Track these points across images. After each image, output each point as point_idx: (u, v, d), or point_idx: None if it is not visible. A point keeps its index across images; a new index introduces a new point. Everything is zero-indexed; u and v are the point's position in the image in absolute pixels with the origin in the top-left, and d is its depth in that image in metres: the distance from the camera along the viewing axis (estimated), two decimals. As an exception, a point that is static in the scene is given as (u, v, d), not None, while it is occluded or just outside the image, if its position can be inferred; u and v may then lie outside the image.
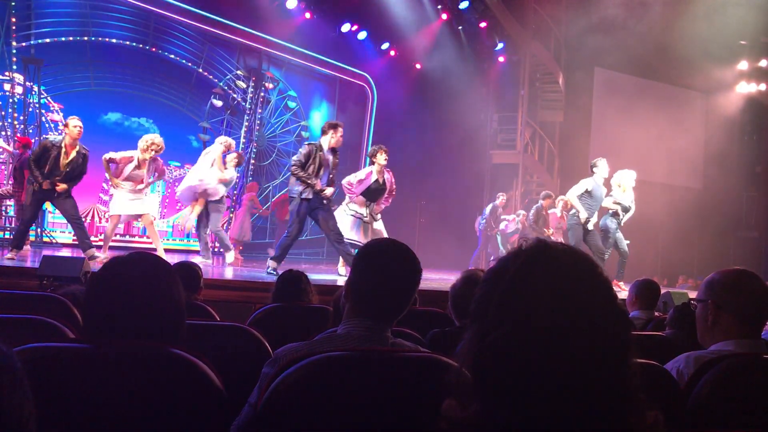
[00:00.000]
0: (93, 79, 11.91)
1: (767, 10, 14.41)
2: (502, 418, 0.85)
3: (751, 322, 2.15)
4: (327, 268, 9.69)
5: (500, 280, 0.89)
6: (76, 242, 8.38)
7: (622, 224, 9.02)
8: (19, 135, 10.13)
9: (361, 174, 8.18)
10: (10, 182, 9.36)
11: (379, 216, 8.32)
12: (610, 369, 0.85)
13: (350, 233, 7.90)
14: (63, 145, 7.31)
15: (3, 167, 10.60)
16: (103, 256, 7.59)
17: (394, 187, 8.29)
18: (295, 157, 7.48)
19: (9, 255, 6.97)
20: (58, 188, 7.25)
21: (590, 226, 8.79)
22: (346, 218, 8.04)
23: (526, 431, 0.83)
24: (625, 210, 8.94)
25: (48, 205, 8.22)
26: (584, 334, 0.84)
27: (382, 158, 7.98)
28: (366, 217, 8.06)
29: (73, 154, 7.35)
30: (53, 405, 1.40)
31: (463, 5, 15.07)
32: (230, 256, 9.13)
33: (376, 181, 8.00)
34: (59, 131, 11.22)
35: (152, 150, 7.99)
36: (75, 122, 7.39)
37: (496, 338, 0.85)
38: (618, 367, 0.86)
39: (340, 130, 7.52)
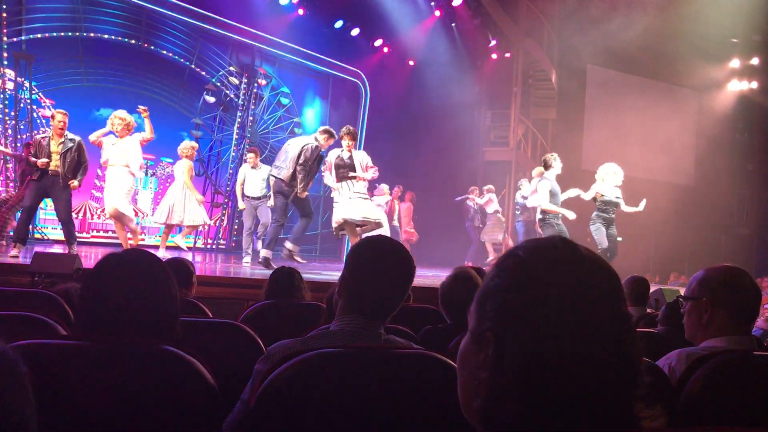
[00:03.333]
0: (85, 75, 11.86)
1: (758, 8, 14.46)
2: (531, 420, 0.85)
3: (744, 318, 2.16)
4: (320, 264, 9.70)
5: (544, 283, 0.86)
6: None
7: (612, 217, 8.69)
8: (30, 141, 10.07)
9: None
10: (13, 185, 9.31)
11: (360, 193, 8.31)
12: (630, 368, 0.86)
13: (361, 212, 8.01)
14: (50, 135, 7.45)
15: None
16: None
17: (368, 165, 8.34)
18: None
19: (13, 252, 6.83)
20: (71, 185, 7.40)
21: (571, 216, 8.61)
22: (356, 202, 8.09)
23: (551, 428, 0.84)
24: (608, 203, 8.61)
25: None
26: (616, 339, 0.85)
27: (345, 143, 8.17)
28: (347, 195, 8.11)
29: (61, 139, 7.44)
30: (45, 402, 1.39)
31: (457, 2, 15.06)
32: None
33: (339, 157, 8.12)
34: (49, 127, 11.21)
35: (117, 124, 7.80)
36: (60, 117, 7.53)
37: (559, 346, 0.83)
38: (636, 365, 0.87)
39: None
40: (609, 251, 8.51)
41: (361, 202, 8.07)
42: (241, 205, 9.96)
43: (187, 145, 9.49)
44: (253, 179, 9.73)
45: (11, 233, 8.31)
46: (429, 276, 9.01)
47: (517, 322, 0.86)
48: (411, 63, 16.12)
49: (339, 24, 14.84)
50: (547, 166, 8.61)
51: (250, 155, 10.00)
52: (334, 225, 8.16)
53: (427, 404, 1.52)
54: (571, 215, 8.46)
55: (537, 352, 0.84)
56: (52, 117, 7.58)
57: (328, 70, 15.56)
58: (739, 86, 17.27)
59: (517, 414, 0.85)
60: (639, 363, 0.87)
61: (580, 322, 0.84)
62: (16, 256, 6.70)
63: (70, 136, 7.54)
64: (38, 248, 7.85)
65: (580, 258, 0.90)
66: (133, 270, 1.68)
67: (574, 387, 0.83)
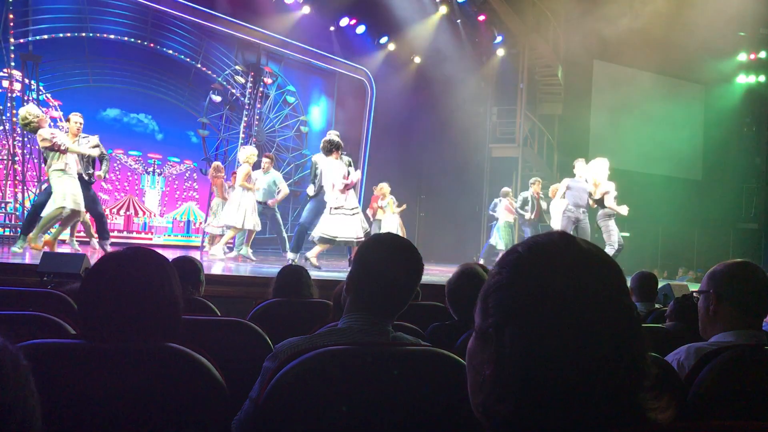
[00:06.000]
0: (91, 75, 11.89)
1: (765, 1, 14.37)
2: (535, 415, 0.85)
3: (751, 312, 2.15)
4: (327, 262, 9.69)
5: (552, 279, 0.87)
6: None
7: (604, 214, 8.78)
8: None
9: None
10: None
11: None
12: (637, 364, 0.85)
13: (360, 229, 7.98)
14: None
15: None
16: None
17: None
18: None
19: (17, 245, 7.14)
20: (97, 177, 7.82)
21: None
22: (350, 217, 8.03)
23: (555, 425, 0.84)
24: (596, 201, 8.77)
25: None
26: (620, 333, 0.85)
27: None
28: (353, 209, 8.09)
29: (76, 140, 7.60)
30: (54, 401, 1.40)
31: (462, -2, 15.05)
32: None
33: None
34: (58, 128, 11.25)
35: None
36: (76, 118, 7.70)
37: (555, 340, 0.83)
38: (643, 361, 0.86)
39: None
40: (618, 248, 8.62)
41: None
42: None
43: (245, 152, 9.38)
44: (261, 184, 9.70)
45: None
46: (435, 273, 9.01)
47: (515, 316, 0.87)
48: (416, 60, 16.11)
49: (344, 22, 14.83)
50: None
51: (266, 160, 9.95)
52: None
53: (435, 401, 1.52)
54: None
55: (534, 346, 0.84)
56: (68, 120, 7.74)
57: (334, 68, 15.57)
58: (746, 80, 17.19)
59: (517, 409, 0.85)
60: (643, 355, 0.87)
61: (577, 316, 0.84)
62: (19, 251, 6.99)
63: (83, 135, 7.72)
64: (47, 248, 7.89)
65: (578, 251, 0.90)
66: (130, 268, 1.67)
67: (572, 381, 0.82)
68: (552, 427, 0.84)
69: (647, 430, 0.85)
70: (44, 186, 8.30)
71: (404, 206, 12.60)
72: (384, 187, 12.05)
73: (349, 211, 7.98)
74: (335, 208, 7.91)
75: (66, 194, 7.04)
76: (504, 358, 0.87)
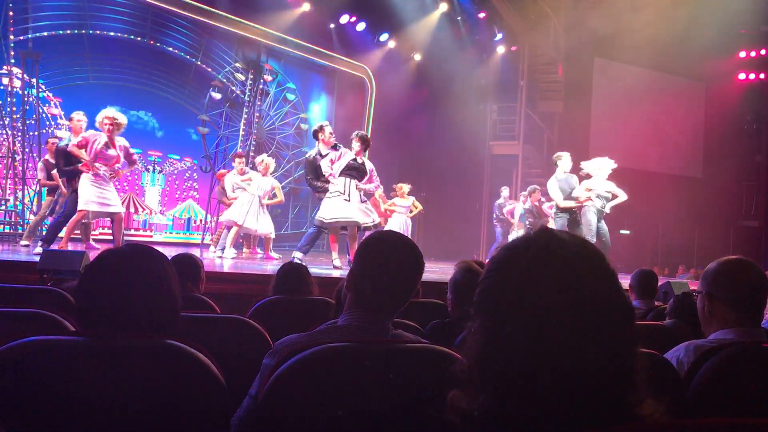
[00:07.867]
0: (91, 72, 11.88)
1: (766, -1, 14.36)
2: (510, 410, 0.84)
3: (744, 310, 2.14)
4: (327, 260, 9.68)
5: (512, 272, 0.87)
6: (78, 236, 8.47)
7: (604, 211, 8.65)
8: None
9: (334, 155, 8.08)
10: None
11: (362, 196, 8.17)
12: (619, 358, 0.84)
13: (338, 213, 7.83)
14: (70, 140, 7.55)
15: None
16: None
17: (374, 175, 8.25)
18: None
19: (38, 250, 7.06)
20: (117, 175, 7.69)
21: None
22: (333, 200, 7.93)
23: (534, 421, 0.83)
24: (598, 197, 8.60)
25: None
26: (595, 325, 0.82)
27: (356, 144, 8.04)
28: (345, 195, 7.92)
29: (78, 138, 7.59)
30: (52, 397, 1.40)
31: (462, -5, 15.04)
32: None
33: (354, 159, 7.96)
34: (58, 125, 11.24)
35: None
36: (79, 116, 7.76)
37: (513, 331, 0.83)
38: (627, 355, 0.85)
39: (326, 129, 8.20)
40: (602, 246, 8.43)
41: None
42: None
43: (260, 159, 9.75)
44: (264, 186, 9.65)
45: None
46: (435, 270, 8.99)
47: (479, 310, 0.89)
48: (417, 57, 16.09)
49: (344, 19, 14.82)
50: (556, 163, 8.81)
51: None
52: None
53: (435, 398, 1.52)
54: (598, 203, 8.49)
55: (491, 336, 0.85)
56: (71, 119, 7.85)
57: (334, 66, 15.56)
58: (747, 78, 17.18)
59: (476, 404, 0.85)
60: (622, 348, 0.85)
61: (532, 308, 0.83)
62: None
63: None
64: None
65: (547, 245, 0.89)
66: (128, 265, 1.67)
67: (530, 375, 0.82)
68: (517, 425, 0.83)
69: (646, 428, 0.84)
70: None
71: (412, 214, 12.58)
72: (404, 186, 11.98)
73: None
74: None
75: (83, 198, 7.26)
76: (468, 353, 0.87)
